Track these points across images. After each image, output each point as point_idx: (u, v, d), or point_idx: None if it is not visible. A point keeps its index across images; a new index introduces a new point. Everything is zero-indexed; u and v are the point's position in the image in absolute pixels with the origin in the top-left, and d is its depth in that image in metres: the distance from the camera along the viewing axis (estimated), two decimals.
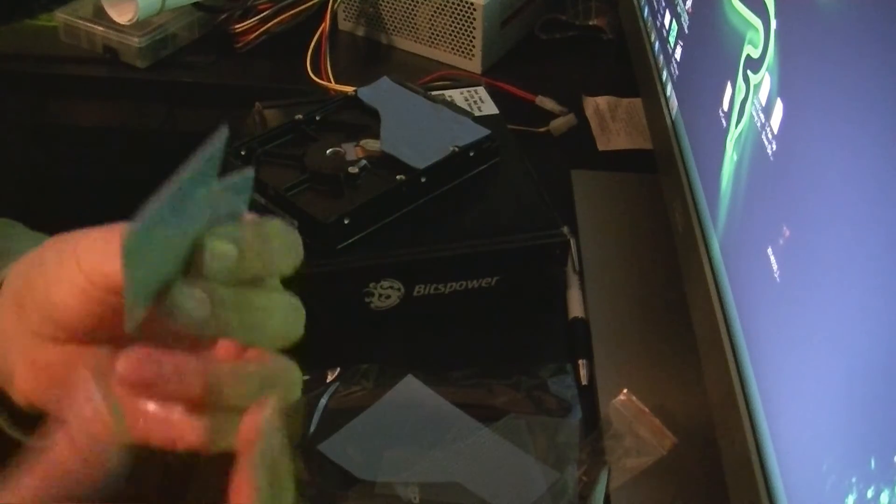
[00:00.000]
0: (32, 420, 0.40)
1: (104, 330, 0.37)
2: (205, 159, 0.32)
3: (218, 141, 0.33)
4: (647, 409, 0.62)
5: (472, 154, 0.73)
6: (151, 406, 0.34)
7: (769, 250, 0.46)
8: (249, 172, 0.35)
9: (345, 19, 1.08)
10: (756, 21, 0.51)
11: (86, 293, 0.35)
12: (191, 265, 0.34)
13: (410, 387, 0.64)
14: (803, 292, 0.41)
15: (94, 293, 0.35)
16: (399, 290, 0.68)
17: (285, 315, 0.36)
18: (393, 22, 1.04)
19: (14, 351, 0.39)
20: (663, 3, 0.77)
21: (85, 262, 0.35)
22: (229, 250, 0.34)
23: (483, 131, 0.74)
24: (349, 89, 0.80)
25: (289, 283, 0.38)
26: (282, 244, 0.36)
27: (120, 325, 0.34)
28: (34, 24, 1.05)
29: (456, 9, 0.98)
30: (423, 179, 0.70)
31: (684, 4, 0.69)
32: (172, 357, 0.33)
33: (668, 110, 0.72)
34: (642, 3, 0.87)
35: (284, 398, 0.35)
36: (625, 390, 0.63)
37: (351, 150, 0.71)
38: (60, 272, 0.36)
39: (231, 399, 0.34)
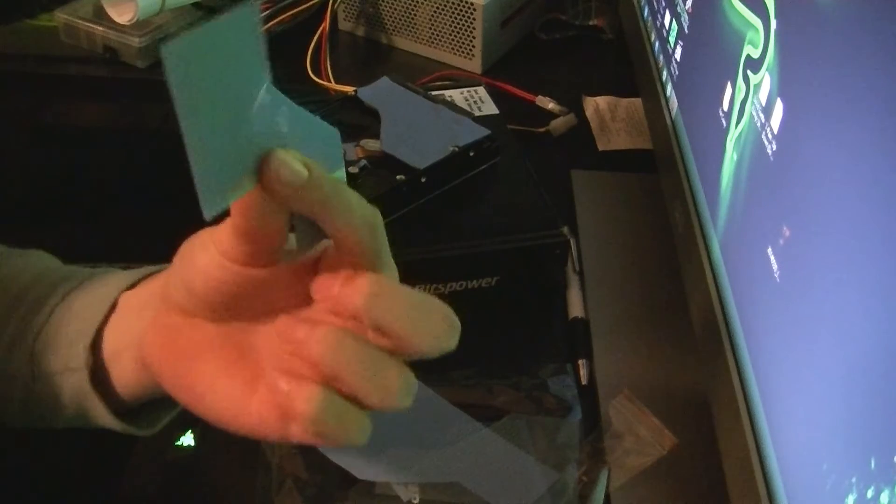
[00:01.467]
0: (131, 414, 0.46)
1: (233, 310, 0.40)
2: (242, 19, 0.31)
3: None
4: (646, 410, 0.62)
5: (472, 154, 0.73)
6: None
7: (769, 250, 0.46)
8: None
9: (345, 19, 1.08)
10: (756, 21, 0.51)
11: (221, 267, 0.38)
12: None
13: None
14: (803, 292, 0.41)
15: (229, 268, 0.38)
16: None
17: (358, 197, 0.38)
18: (393, 22, 1.04)
19: (146, 321, 0.43)
20: (663, 3, 0.77)
21: (218, 242, 0.38)
22: (301, 170, 0.35)
23: (483, 131, 0.74)
24: (349, 89, 0.80)
25: None
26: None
27: (249, 307, 0.39)
28: (34, 24, 1.05)
29: (456, 9, 0.98)
30: (423, 179, 0.70)
31: (684, 4, 0.69)
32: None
33: (668, 110, 0.72)
34: (642, 3, 0.87)
35: None
36: (625, 390, 0.63)
37: (351, 150, 0.71)
38: (202, 254, 0.39)
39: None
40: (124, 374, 0.45)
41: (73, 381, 0.45)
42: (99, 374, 0.45)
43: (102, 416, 0.46)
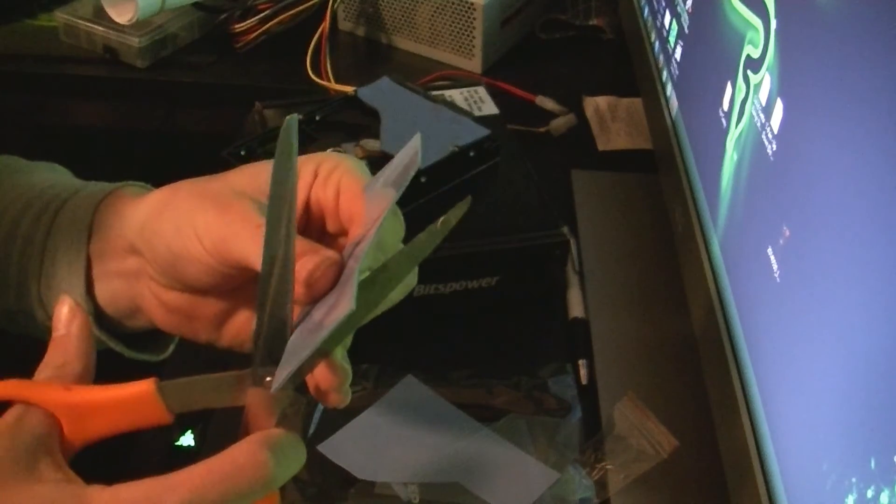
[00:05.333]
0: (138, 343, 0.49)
1: (221, 287, 0.43)
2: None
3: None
4: (650, 413, 0.61)
5: (472, 154, 0.73)
6: None
7: (769, 250, 0.46)
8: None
9: (345, 19, 1.08)
10: (756, 21, 0.51)
11: (213, 269, 0.41)
12: None
13: (410, 387, 0.64)
14: (803, 292, 0.41)
15: (221, 269, 0.41)
16: None
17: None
18: (393, 22, 1.04)
19: (139, 288, 0.46)
20: (663, 3, 0.77)
21: (209, 244, 0.41)
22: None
23: (483, 131, 0.74)
24: (349, 89, 0.80)
25: None
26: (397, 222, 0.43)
27: (233, 282, 0.42)
28: (34, 24, 1.05)
29: (456, 9, 0.98)
30: (423, 179, 0.70)
31: (684, 4, 0.69)
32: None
33: (668, 110, 0.72)
34: (642, 3, 0.87)
35: None
36: (629, 392, 0.63)
37: (351, 150, 0.71)
38: (184, 247, 0.41)
39: None
40: (129, 324, 0.48)
41: None
42: (102, 317, 0.48)
43: (118, 348, 0.49)
